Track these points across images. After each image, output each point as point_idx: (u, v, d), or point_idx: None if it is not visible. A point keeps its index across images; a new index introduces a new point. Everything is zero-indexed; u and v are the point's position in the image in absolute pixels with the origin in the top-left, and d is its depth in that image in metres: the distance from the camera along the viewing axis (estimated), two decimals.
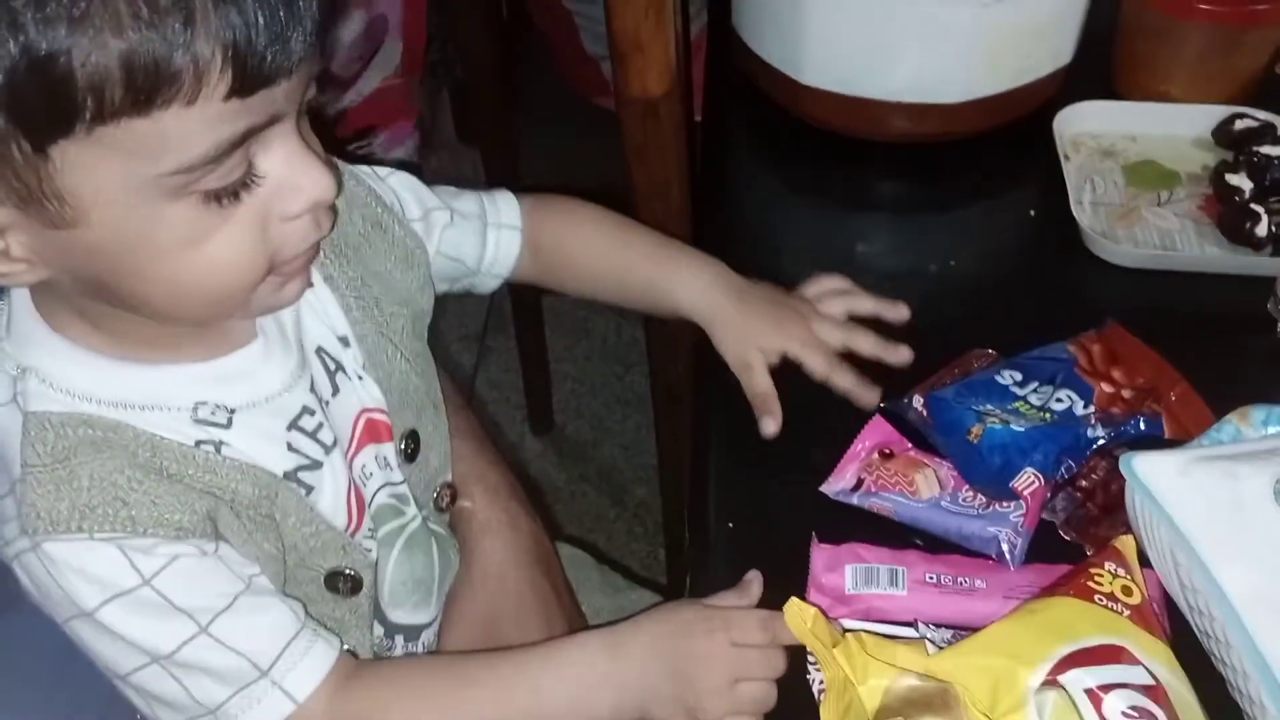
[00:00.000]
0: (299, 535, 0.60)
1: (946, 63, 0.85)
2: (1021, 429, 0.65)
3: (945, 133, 0.88)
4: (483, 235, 0.74)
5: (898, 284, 0.81)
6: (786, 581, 0.62)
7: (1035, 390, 0.68)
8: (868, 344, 0.72)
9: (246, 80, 0.47)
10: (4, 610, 0.65)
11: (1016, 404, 0.67)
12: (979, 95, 0.86)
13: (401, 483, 0.68)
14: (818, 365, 0.71)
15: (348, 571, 0.63)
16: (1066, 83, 0.90)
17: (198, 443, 0.57)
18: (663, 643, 0.59)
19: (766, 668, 0.58)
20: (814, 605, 0.57)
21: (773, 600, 0.60)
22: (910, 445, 0.69)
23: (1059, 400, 0.67)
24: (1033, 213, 0.87)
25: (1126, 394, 0.68)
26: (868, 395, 0.70)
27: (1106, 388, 0.68)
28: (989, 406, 0.67)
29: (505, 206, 0.75)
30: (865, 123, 0.88)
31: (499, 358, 1.77)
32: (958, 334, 0.76)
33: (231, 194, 0.50)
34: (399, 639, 0.71)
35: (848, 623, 0.60)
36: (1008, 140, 0.88)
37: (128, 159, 0.47)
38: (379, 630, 0.69)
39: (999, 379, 0.69)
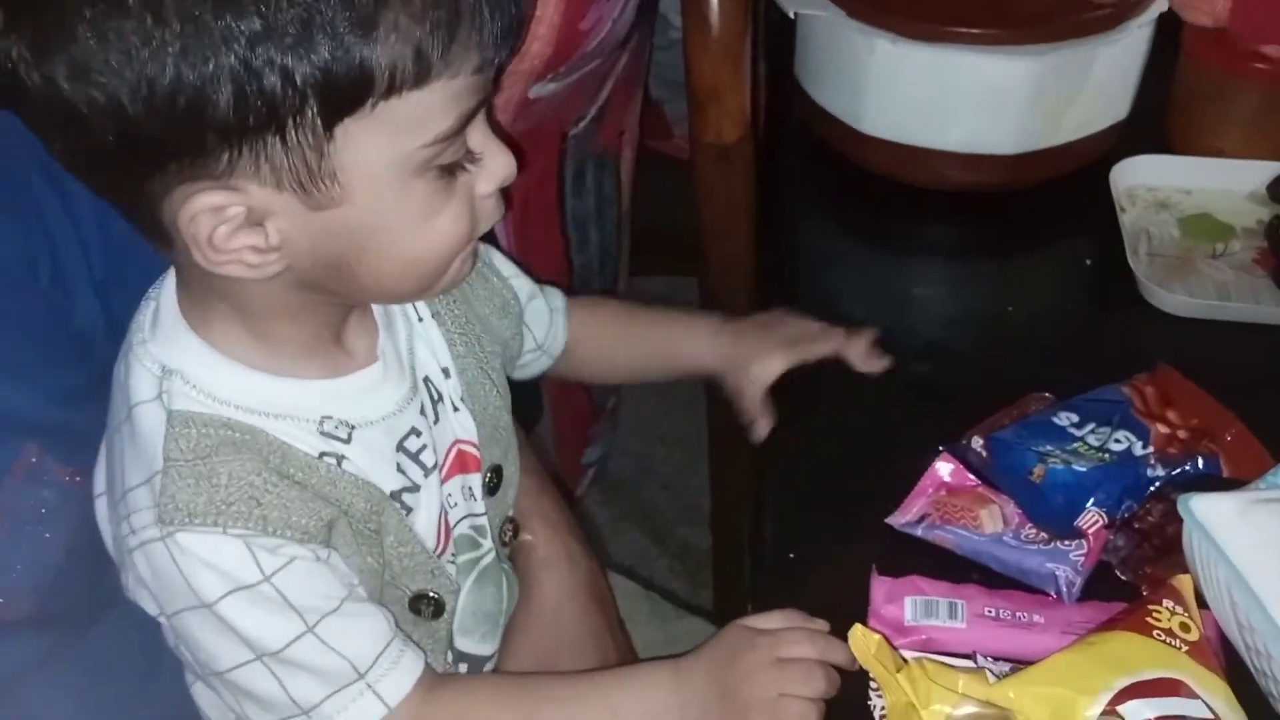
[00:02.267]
0: (395, 554, 0.63)
1: (1004, 116, 0.87)
2: (1083, 469, 0.66)
3: (1003, 183, 0.91)
4: (549, 316, 0.78)
5: (954, 328, 0.84)
6: (847, 613, 0.63)
7: (1093, 431, 0.70)
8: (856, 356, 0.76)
9: (488, 54, 0.52)
10: (95, 619, 0.68)
11: (1075, 445, 0.68)
12: (1036, 148, 0.89)
13: (482, 515, 0.70)
14: (820, 348, 0.75)
15: (431, 594, 0.65)
16: (1123, 137, 0.92)
17: (321, 454, 0.59)
18: (716, 666, 0.61)
19: (809, 683, 0.59)
20: (877, 632, 0.58)
21: (834, 632, 0.62)
22: (977, 481, 0.70)
23: (1117, 441, 0.68)
24: (1089, 262, 0.89)
25: (1182, 434, 0.69)
26: (878, 362, 0.75)
27: (1162, 429, 0.70)
28: (1049, 447, 0.68)
29: (554, 293, 0.79)
30: (923, 172, 0.91)
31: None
32: (1014, 378, 0.78)
33: (460, 168, 0.55)
34: (463, 667, 0.72)
35: (907, 653, 0.62)
36: (1065, 191, 0.90)
37: (396, 133, 0.51)
38: (449, 657, 0.71)
39: (1056, 420, 0.71)
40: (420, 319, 0.68)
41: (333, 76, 0.48)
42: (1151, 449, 0.68)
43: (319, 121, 0.49)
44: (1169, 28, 0.90)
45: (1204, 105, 0.92)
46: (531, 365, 0.79)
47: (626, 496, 1.72)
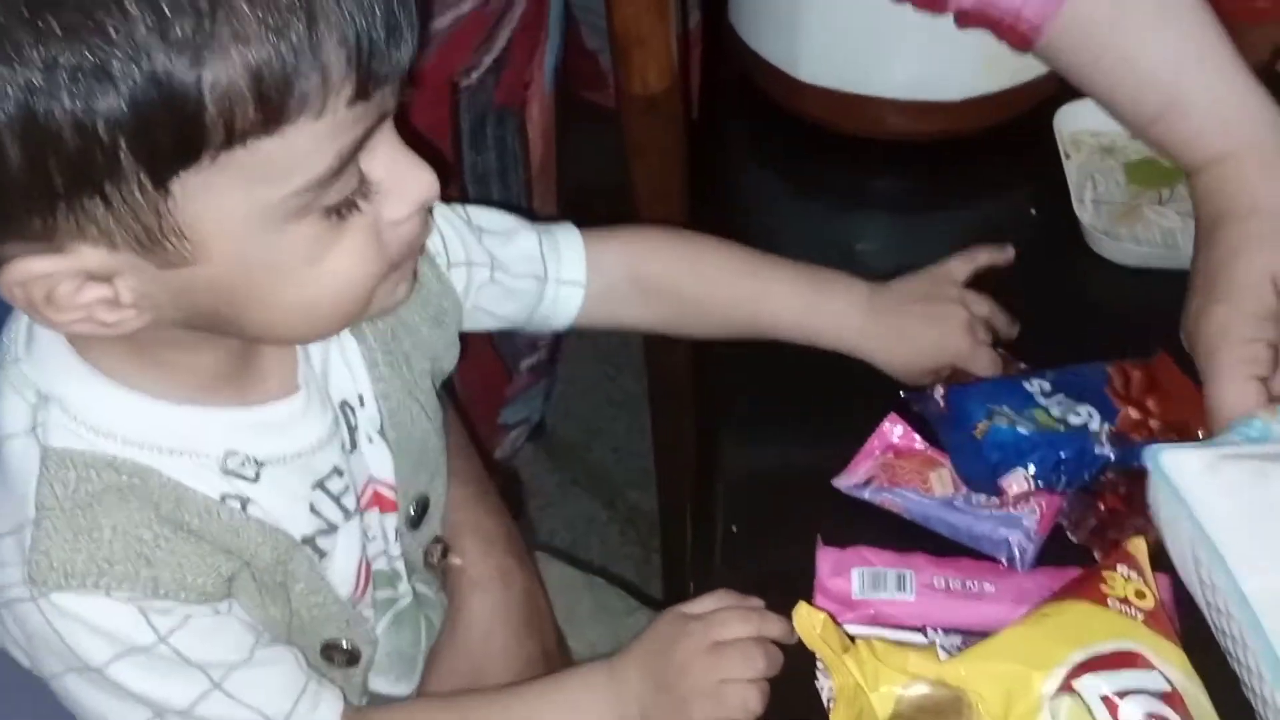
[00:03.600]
0: (304, 603, 0.58)
1: (946, 60, 0.84)
2: (1026, 431, 0.64)
3: (944, 131, 0.87)
4: (538, 293, 0.69)
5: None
6: (792, 586, 0.61)
7: (1059, 402, 0.67)
8: (1004, 324, 0.72)
9: (369, 81, 0.44)
10: None
11: (1033, 410, 0.66)
12: (978, 93, 0.86)
13: (398, 556, 0.66)
14: (983, 371, 0.70)
15: (344, 645, 0.61)
16: (1066, 81, 0.89)
17: (223, 497, 0.53)
18: (651, 661, 0.58)
19: (748, 664, 0.56)
20: (822, 610, 0.56)
21: (779, 606, 0.60)
22: (926, 444, 0.68)
23: (1076, 415, 0.65)
24: (1034, 211, 0.86)
25: (1153, 424, 0.66)
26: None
27: (1133, 413, 0.67)
28: (1003, 406, 0.66)
29: (569, 256, 0.69)
30: (864, 120, 0.87)
31: None
32: None
33: (349, 205, 0.48)
34: None
35: (855, 628, 0.59)
36: (1008, 138, 0.87)
37: (251, 184, 0.44)
38: (364, 700, 0.67)
39: (1026, 385, 0.68)
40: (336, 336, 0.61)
41: (147, 127, 0.41)
42: (1107, 427, 0.65)
43: (145, 179, 0.42)
44: None
45: None
46: (561, 302, 0.69)
47: (575, 460, 1.70)
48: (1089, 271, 0.80)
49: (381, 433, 0.62)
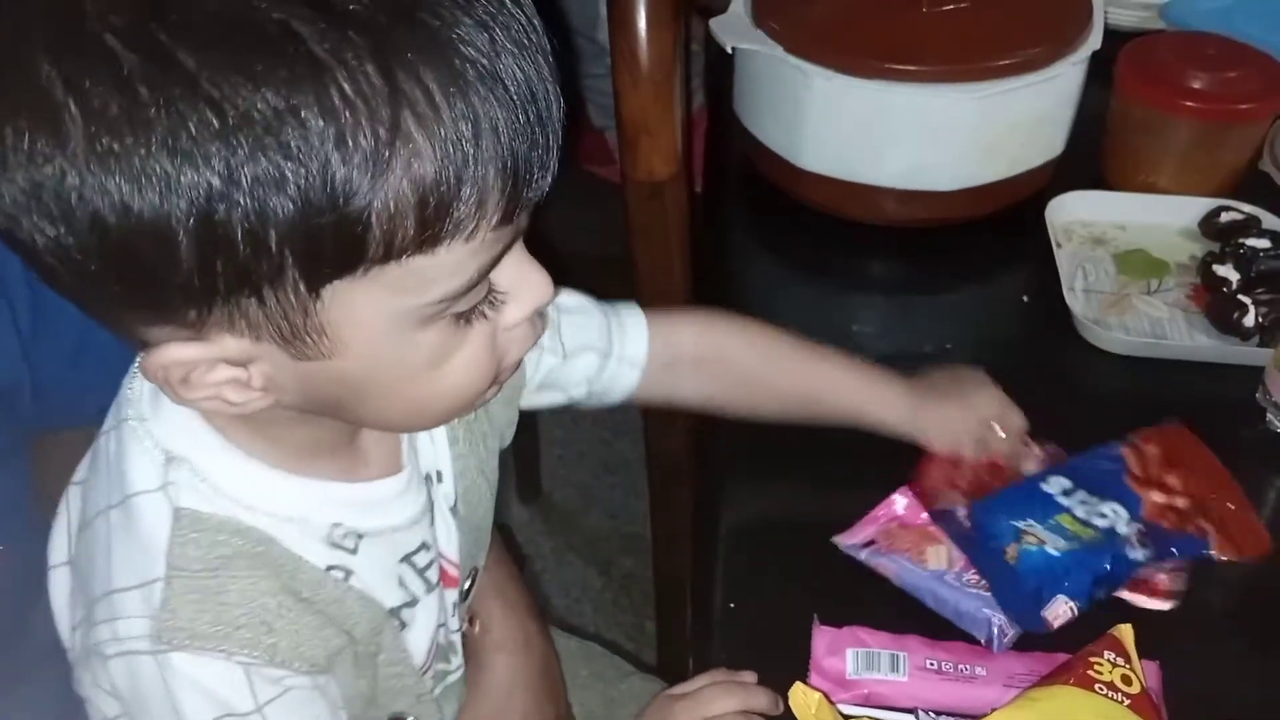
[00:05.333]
0: (384, 673, 0.58)
1: (941, 152, 0.87)
2: (1057, 553, 0.64)
3: (939, 219, 0.90)
4: (599, 367, 0.70)
5: (893, 365, 0.82)
6: (788, 663, 0.62)
7: (1082, 501, 0.67)
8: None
9: (517, 206, 0.45)
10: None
11: (1059, 517, 0.66)
12: (973, 184, 0.89)
13: (456, 630, 0.66)
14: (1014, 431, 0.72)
15: (411, 719, 0.62)
16: (1058, 173, 0.92)
17: (329, 568, 0.54)
18: None
19: None
20: (817, 690, 0.57)
21: (775, 682, 0.61)
22: (930, 521, 0.69)
23: (1102, 516, 0.66)
24: (1026, 298, 0.89)
25: (1180, 503, 0.68)
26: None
27: (1157, 497, 0.68)
28: (1030, 521, 0.66)
29: (634, 335, 0.71)
30: (861, 207, 0.90)
31: None
32: None
33: (477, 313, 0.49)
34: None
35: (849, 709, 0.61)
36: (1001, 227, 0.90)
37: (396, 294, 0.45)
38: None
39: (1045, 487, 0.68)
40: None
41: (314, 239, 0.42)
42: (1137, 527, 0.66)
43: (301, 285, 0.43)
44: (1103, 65, 0.90)
45: (1137, 142, 0.93)
46: (620, 379, 0.71)
47: (571, 526, 1.70)
48: (1079, 358, 0.82)
49: (454, 509, 0.63)
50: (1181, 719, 0.59)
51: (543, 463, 1.73)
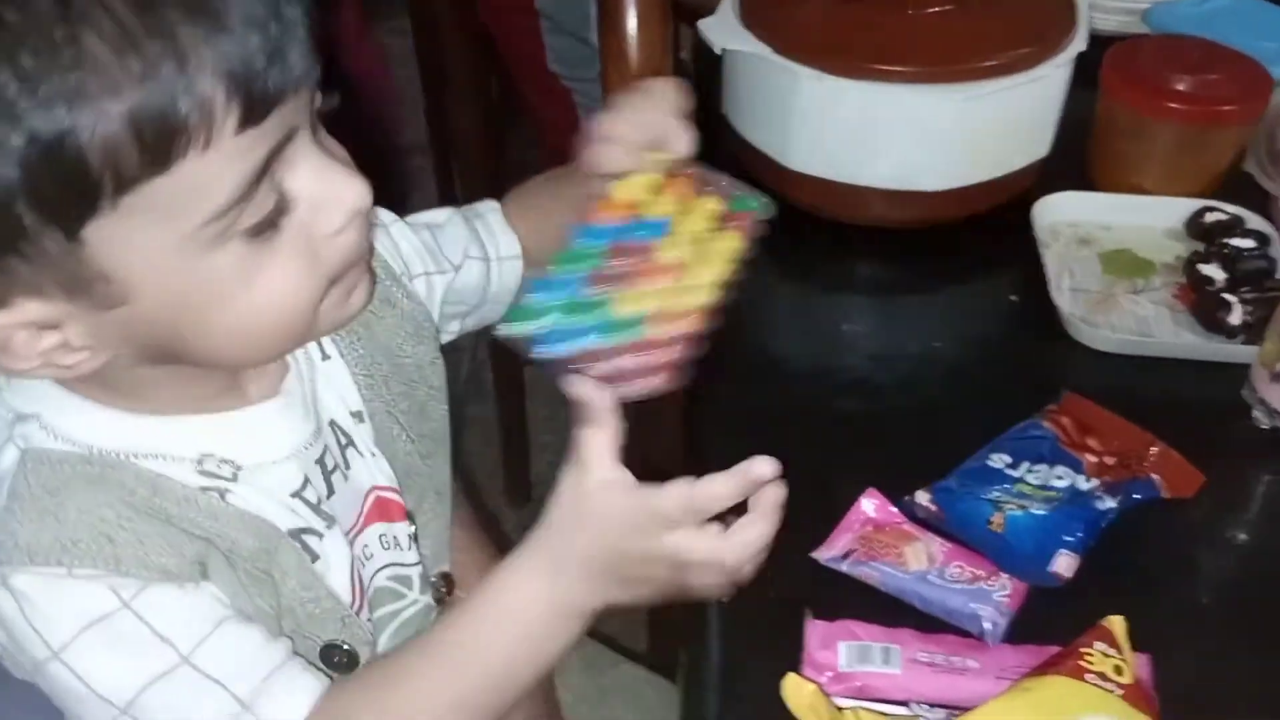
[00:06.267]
0: (297, 599, 0.58)
1: (929, 153, 0.88)
2: (1042, 512, 0.66)
3: (927, 219, 0.91)
4: (485, 271, 0.72)
5: (881, 364, 0.83)
6: (781, 656, 0.63)
7: (1030, 470, 0.70)
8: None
9: (255, 107, 0.45)
10: None
11: (1018, 486, 0.68)
12: (959, 184, 0.89)
13: (410, 565, 0.66)
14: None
15: (344, 646, 0.62)
16: (1044, 174, 0.93)
17: (203, 489, 0.55)
18: (602, 556, 0.54)
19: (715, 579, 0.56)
20: (811, 681, 0.57)
21: (768, 676, 0.61)
22: (903, 517, 0.70)
23: (1058, 478, 0.69)
24: (1014, 297, 0.89)
25: (1109, 460, 0.70)
26: None
27: (1091, 458, 0.71)
28: (997, 494, 0.68)
29: (502, 235, 0.73)
30: (849, 208, 0.91)
31: (478, 427, 1.76)
32: (942, 414, 0.79)
33: (270, 225, 0.49)
34: None
35: (842, 701, 0.61)
36: (988, 227, 0.91)
37: (160, 221, 0.45)
38: None
39: (991, 464, 0.71)
40: (327, 356, 0.63)
41: (37, 187, 0.42)
42: (1096, 481, 0.69)
43: (52, 234, 0.44)
44: (1088, 69, 0.91)
45: (1123, 143, 0.94)
46: (485, 318, 0.74)
47: None
48: (1067, 355, 0.83)
49: (377, 445, 0.64)
50: (1173, 711, 0.60)
51: (532, 467, 1.72)
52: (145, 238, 0.46)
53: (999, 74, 0.85)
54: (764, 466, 0.54)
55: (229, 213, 0.47)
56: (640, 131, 0.65)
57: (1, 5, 0.41)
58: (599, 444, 0.54)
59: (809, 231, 0.91)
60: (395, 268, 0.68)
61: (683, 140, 0.65)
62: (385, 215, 0.70)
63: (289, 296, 0.51)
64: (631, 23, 0.77)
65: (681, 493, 0.53)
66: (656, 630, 1.21)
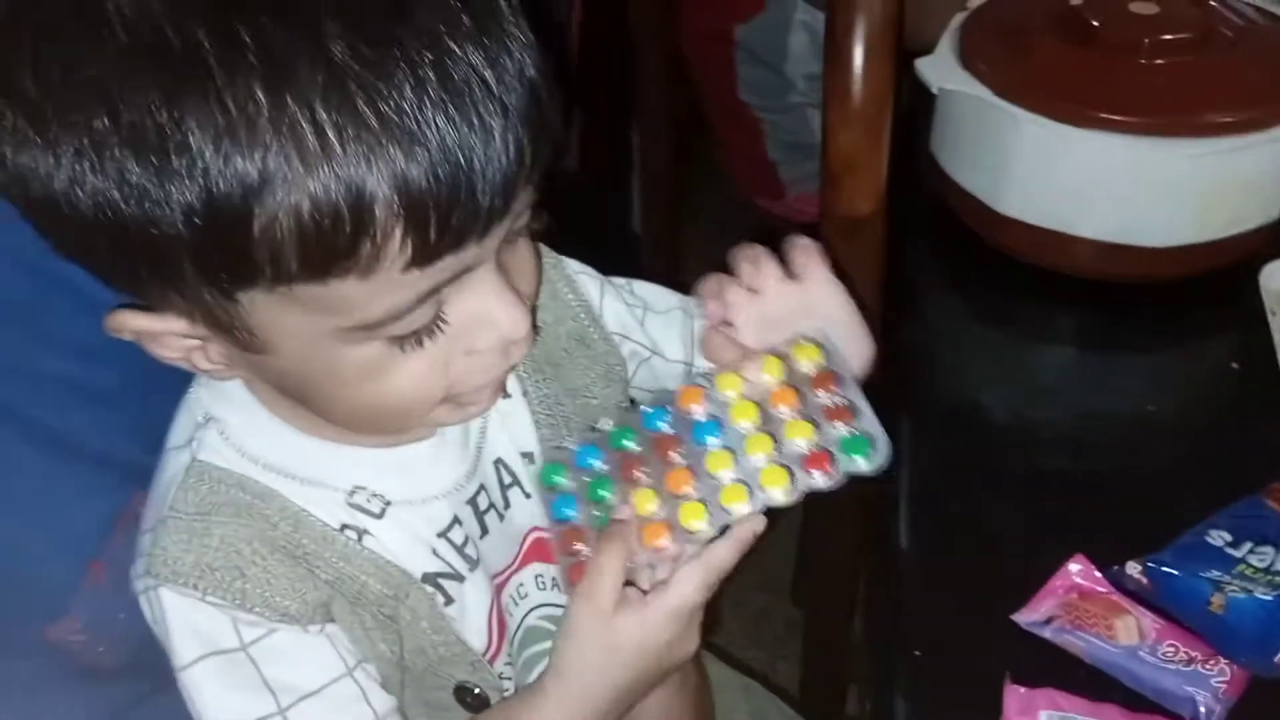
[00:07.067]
0: (428, 641, 0.59)
1: (1154, 207, 0.84)
2: (1268, 597, 0.63)
3: (1142, 275, 0.87)
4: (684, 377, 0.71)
5: (1089, 423, 0.80)
6: (977, 717, 0.61)
7: (1252, 551, 0.66)
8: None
9: (427, 253, 0.45)
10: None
11: (1240, 567, 0.65)
12: (1182, 242, 0.85)
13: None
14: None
15: (475, 690, 0.62)
16: (1273, 237, 0.88)
17: (342, 527, 0.56)
18: (630, 679, 0.57)
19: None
20: None
21: None
22: (1112, 588, 0.67)
23: None
24: (1235, 365, 0.85)
25: None
26: None
27: None
28: (1217, 573, 0.64)
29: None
30: (1063, 258, 0.88)
31: None
32: (1152, 480, 0.76)
33: (416, 340, 0.50)
34: None
35: None
36: (1209, 289, 0.87)
37: (310, 313, 0.47)
38: None
39: (1210, 541, 0.67)
40: (507, 395, 0.63)
41: (204, 257, 0.43)
42: None
43: (210, 290, 0.45)
44: None
45: None
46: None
47: None
48: None
49: None
50: None
51: None
52: (295, 317, 0.47)
53: (1237, 130, 0.81)
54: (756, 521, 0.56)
55: (380, 325, 0.48)
56: (767, 331, 0.62)
57: (220, 52, 0.41)
58: (607, 570, 0.55)
59: (1015, 278, 0.89)
60: (596, 312, 0.68)
61: (839, 356, 0.61)
62: (575, 265, 0.69)
63: (412, 398, 0.52)
64: (858, 58, 0.76)
65: (697, 577, 0.56)
66: (811, 684, 1.19)
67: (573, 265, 0.69)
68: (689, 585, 0.56)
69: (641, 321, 0.70)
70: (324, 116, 0.41)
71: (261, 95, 0.41)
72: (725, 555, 0.56)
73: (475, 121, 0.43)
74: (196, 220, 0.42)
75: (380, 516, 0.57)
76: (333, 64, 0.41)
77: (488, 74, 0.44)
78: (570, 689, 0.58)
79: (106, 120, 0.41)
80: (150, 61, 0.41)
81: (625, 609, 0.55)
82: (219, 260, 0.44)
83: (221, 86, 0.40)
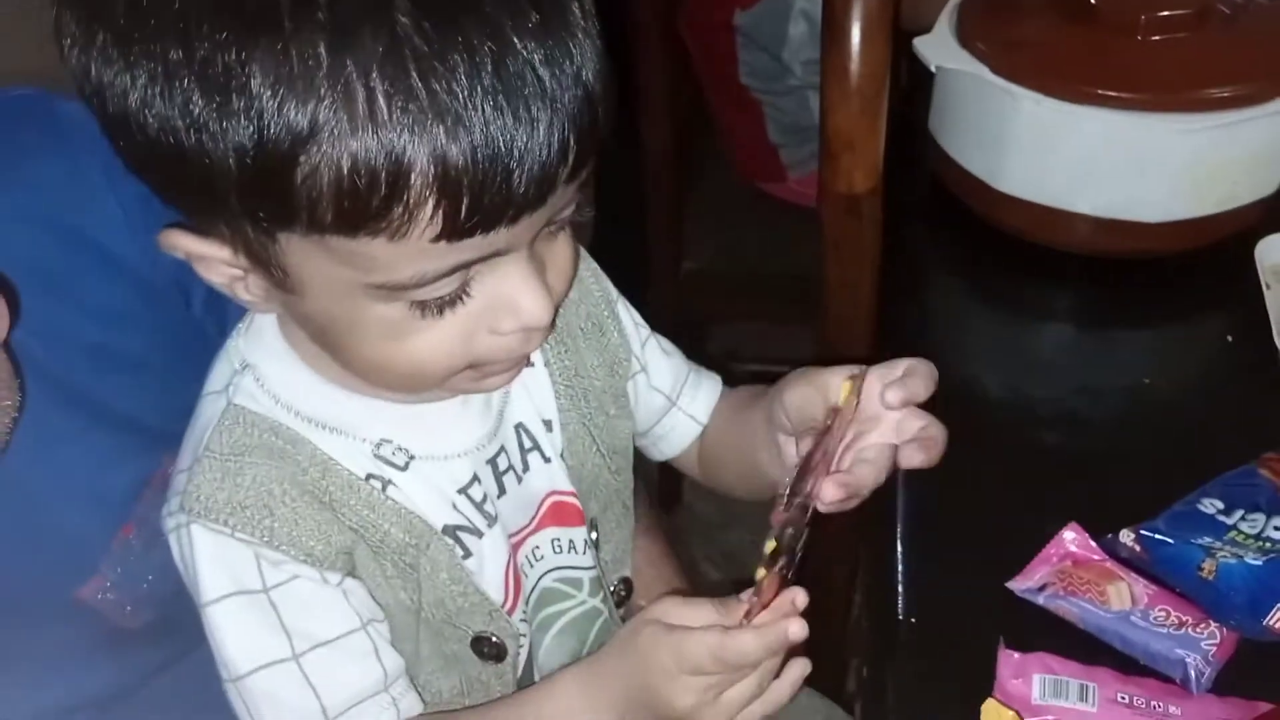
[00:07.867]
0: (447, 592, 0.61)
1: (1151, 183, 0.85)
2: (1258, 562, 0.63)
3: (1140, 250, 0.88)
4: (661, 413, 0.73)
5: (1086, 397, 0.81)
6: (967, 683, 0.62)
7: (1244, 518, 0.67)
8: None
9: (455, 229, 0.46)
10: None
11: (1231, 534, 0.66)
12: (1179, 218, 0.86)
13: (582, 569, 0.68)
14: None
15: (494, 639, 0.63)
16: (1270, 212, 0.89)
17: (368, 476, 0.58)
18: (630, 680, 0.57)
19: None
20: (1010, 709, 0.56)
21: (956, 702, 0.60)
22: (1105, 555, 0.68)
23: (1276, 528, 0.66)
24: (1230, 338, 0.86)
25: None
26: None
27: None
28: (1208, 539, 0.65)
29: (704, 398, 0.73)
30: (1061, 235, 0.89)
31: None
32: (1148, 453, 0.77)
33: (438, 308, 0.51)
34: None
35: None
36: (1205, 264, 0.88)
37: (341, 263, 0.48)
38: None
39: (1202, 509, 0.68)
40: (531, 364, 0.65)
41: (250, 194, 0.45)
42: None
43: (251, 225, 0.48)
44: None
45: None
46: (677, 430, 0.73)
47: (709, 540, 1.71)
48: None
49: (562, 456, 0.66)
50: None
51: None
52: (325, 265, 0.49)
53: (1234, 105, 0.82)
54: (797, 629, 0.54)
55: (405, 289, 0.49)
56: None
57: (293, 8, 0.43)
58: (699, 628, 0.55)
59: (1013, 256, 0.90)
60: (618, 312, 0.70)
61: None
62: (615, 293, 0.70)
63: (431, 363, 0.53)
64: (855, 39, 0.77)
65: (712, 641, 0.54)
66: (815, 656, 1.20)
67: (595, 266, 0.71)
68: (705, 642, 0.55)
69: (644, 342, 0.72)
70: (377, 83, 0.43)
71: (324, 52, 0.43)
72: (749, 647, 0.54)
73: (522, 113, 0.45)
74: (246, 159, 0.44)
75: (404, 469, 0.59)
76: (395, 36, 0.43)
77: (543, 71, 0.45)
78: (590, 669, 0.59)
79: (181, 53, 0.44)
80: (230, 5, 0.43)
81: (654, 620, 0.56)
82: (261, 199, 0.46)
83: (289, 38, 0.43)
